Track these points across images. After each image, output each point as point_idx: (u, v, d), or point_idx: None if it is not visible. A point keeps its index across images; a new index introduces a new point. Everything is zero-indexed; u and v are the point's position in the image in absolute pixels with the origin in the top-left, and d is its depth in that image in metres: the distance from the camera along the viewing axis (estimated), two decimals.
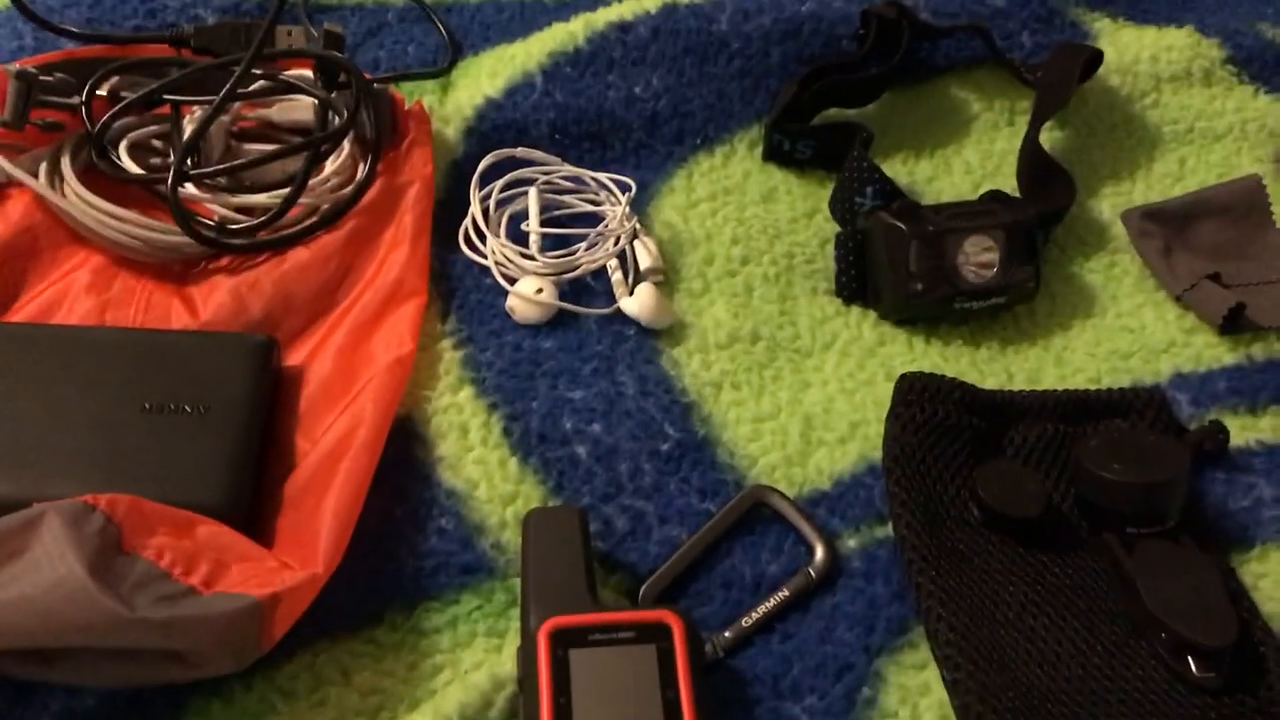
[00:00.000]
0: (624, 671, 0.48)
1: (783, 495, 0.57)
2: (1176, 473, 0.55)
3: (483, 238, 0.68)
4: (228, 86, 0.65)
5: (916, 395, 0.59)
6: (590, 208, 0.71)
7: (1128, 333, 0.67)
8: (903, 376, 0.60)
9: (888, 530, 0.57)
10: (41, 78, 0.66)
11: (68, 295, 0.63)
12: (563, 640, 0.49)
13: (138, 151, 0.69)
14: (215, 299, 0.63)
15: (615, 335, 0.65)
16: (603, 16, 0.78)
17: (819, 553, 0.55)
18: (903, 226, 0.65)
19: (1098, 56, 0.78)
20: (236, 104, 0.71)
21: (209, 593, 0.47)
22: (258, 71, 0.69)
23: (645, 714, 0.47)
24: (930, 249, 0.65)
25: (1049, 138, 0.78)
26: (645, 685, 0.48)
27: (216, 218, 0.66)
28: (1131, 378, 0.64)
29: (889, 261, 0.65)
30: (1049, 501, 0.56)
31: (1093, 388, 0.64)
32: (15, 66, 0.65)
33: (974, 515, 0.56)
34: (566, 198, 0.71)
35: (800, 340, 0.66)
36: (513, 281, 0.65)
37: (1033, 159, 0.73)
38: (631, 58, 0.77)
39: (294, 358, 0.62)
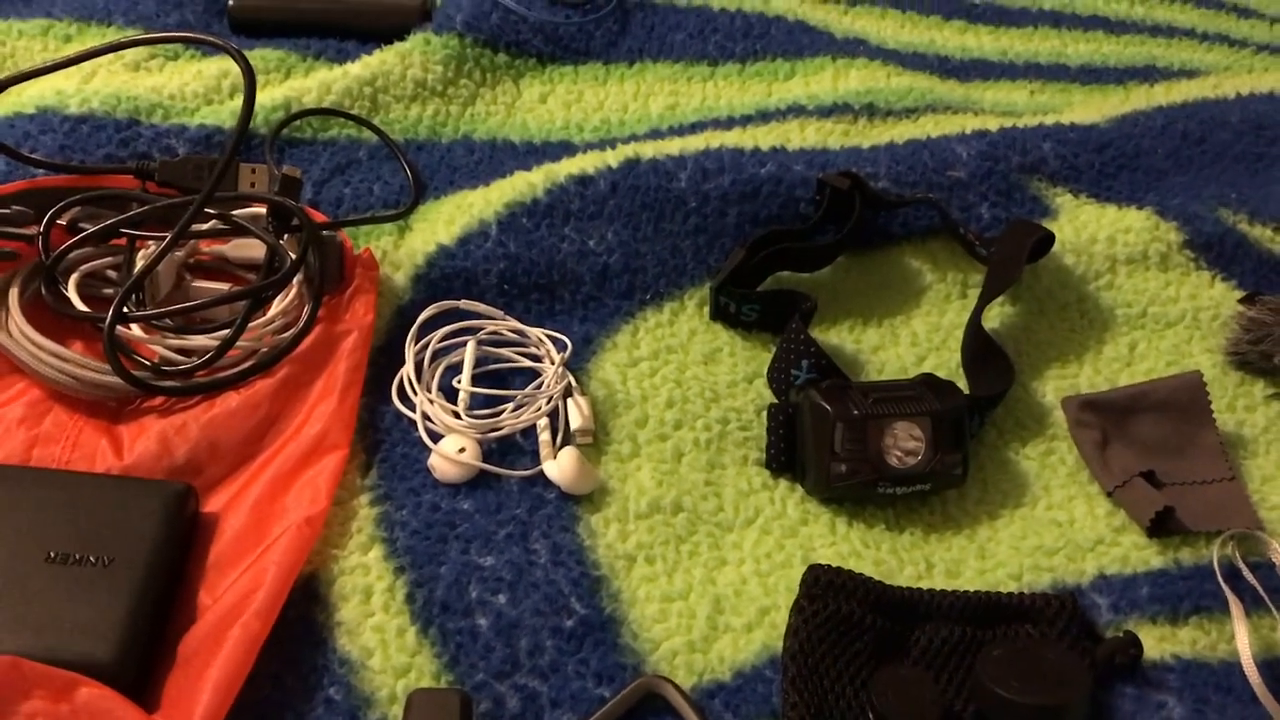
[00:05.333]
0: None
1: (676, 687, 0.56)
2: (1076, 696, 0.54)
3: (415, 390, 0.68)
4: (176, 229, 0.66)
5: (822, 589, 0.58)
6: (529, 363, 0.71)
7: (1056, 526, 0.66)
8: (810, 568, 0.59)
9: None
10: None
11: None
12: None
13: (92, 281, 0.71)
14: (141, 441, 0.63)
15: (535, 499, 0.65)
16: (564, 168, 0.79)
17: None
18: (828, 407, 0.65)
19: (1049, 237, 0.78)
20: (193, 239, 0.72)
21: None
22: (212, 211, 0.70)
23: None
24: (855, 432, 0.65)
25: (999, 313, 0.78)
26: None
27: (157, 357, 0.67)
28: (1053, 576, 0.63)
29: (814, 440, 0.65)
30: (947, 712, 0.55)
31: (1011, 584, 0.63)
32: None
33: None
34: (506, 350, 0.72)
35: (723, 513, 0.65)
36: (437, 438, 0.66)
37: (975, 340, 0.73)
38: (589, 211, 0.78)
39: (213, 504, 0.62)
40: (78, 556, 0.56)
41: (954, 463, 0.66)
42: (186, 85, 0.83)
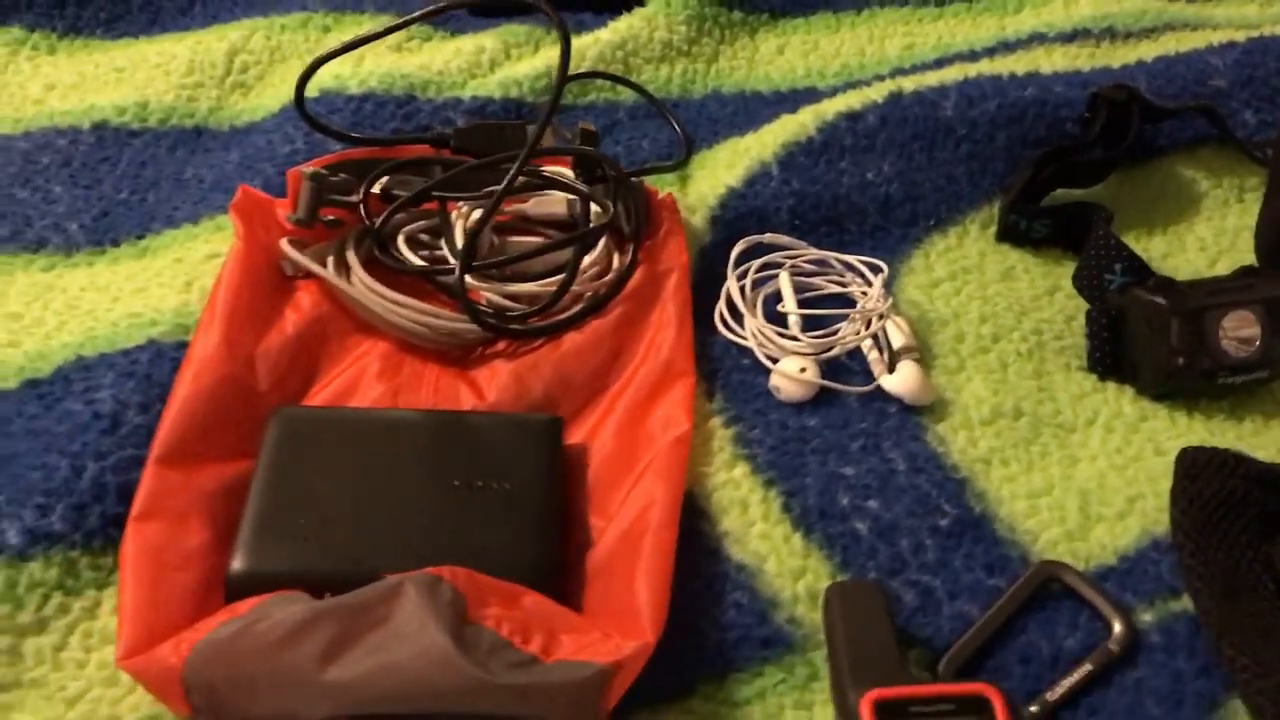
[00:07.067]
0: None
1: (1075, 570, 0.57)
2: None
3: (738, 319, 0.70)
4: (505, 183, 0.68)
5: (1201, 469, 0.59)
6: (837, 289, 0.73)
7: None
8: (1184, 451, 0.60)
9: (1182, 604, 0.57)
10: (330, 178, 0.71)
11: (360, 381, 0.66)
12: (884, 712, 0.50)
13: (409, 245, 0.73)
14: (498, 382, 0.66)
15: (878, 413, 0.66)
16: (830, 107, 0.81)
17: (1118, 627, 0.55)
18: (1163, 302, 0.66)
19: None
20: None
21: (549, 660, 0.49)
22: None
23: None
24: (1191, 325, 0.65)
25: None
26: None
27: (488, 305, 0.70)
28: None
29: (1149, 337, 0.66)
30: None
31: None
32: (309, 169, 0.70)
33: (1269, 589, 0.56)
34: (813, 280, 0.73)
35: (1062, 415, 0.66)
36: (774, 361, 0.68)
37: (1274, 234, 0.73)
38: (862, 145, 0.79)
39: (573, 437, 0.64)
40: (480, 484, 0.58)
41: None
42: (449, 62, 0.87)
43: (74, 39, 0.91)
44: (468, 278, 0.70)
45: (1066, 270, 0.75)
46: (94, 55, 0.90)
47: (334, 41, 0.90)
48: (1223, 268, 0.76)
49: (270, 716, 0.48)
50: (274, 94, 0.86)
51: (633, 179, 0.74)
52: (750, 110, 0.87)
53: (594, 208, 0.73)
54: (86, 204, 0.77)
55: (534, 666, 0.48)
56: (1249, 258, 0.75)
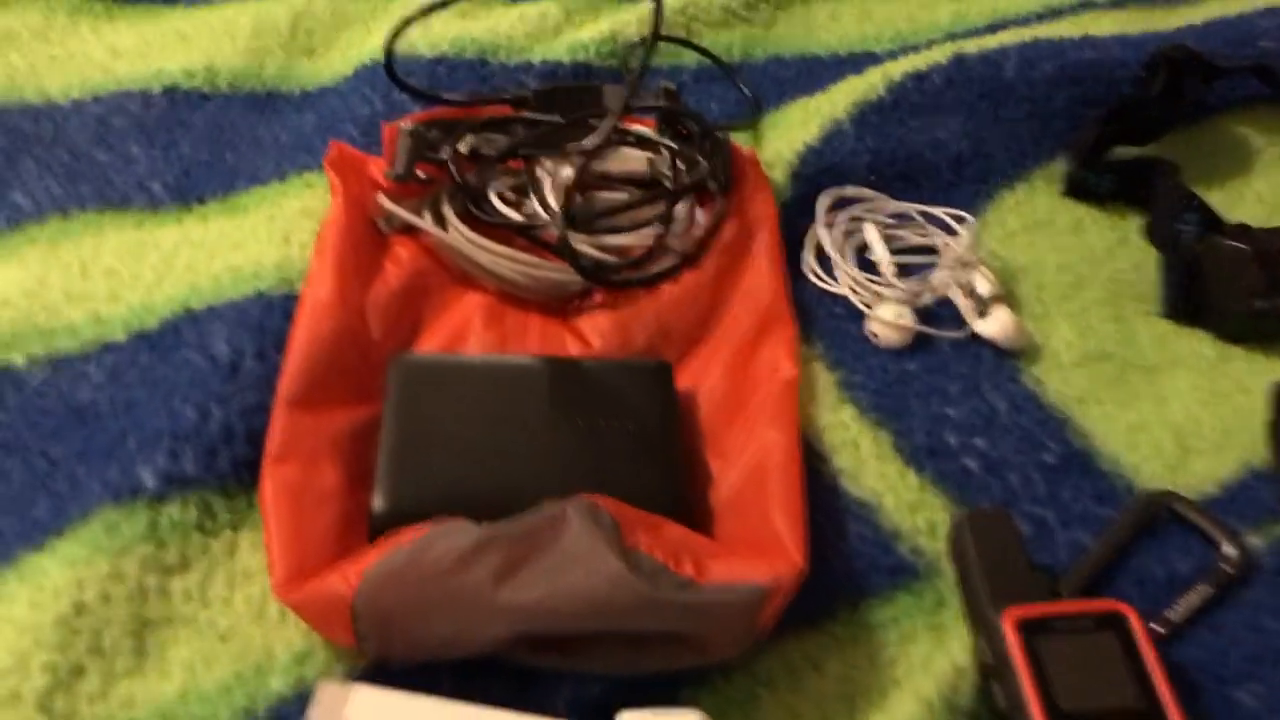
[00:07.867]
0: (1091, 655, 0.51)
1: (1183, 497, 0.60)
2: None
3: (826, 268, 0.72)
4: (602, 133, 0.70)
5: None
6: (919, 240, 0.75)
7: None
8: (1277, 384, 0.63)
9: None
10: (426, 134, 0.72)
11: (468, 332, 0.67)
12: (1028, 629, 0.51)
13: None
14: (602, 330, 0.67)
15: (973, 357, 0.68)
16: (896, 68, 0.83)
17: (1231, 549, 0.58)
18: (1244, 247, 0.68)
19: None
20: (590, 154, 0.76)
21: (705, 583, 0.51)
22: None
23: (1121, 690, 0.50)
24: (1271, 268, 0.68)
25: None
26: (1115, 666, 0.51)
27: (583, 258, 0.71)
28: None
29: (1228, 281, 0.69)
30: None
31: None
32: (407, 124, 0.71)
33: None
34: (894, 232, 0.75)
35: (1147, 358, 0.69)
36: (869, 308, 0.69)
37: None
38: (929, 104, 0.81)
39: (678, 384, 0.65)
40: (603, 424, 0.59)
41: None
42: (515, 27, 0.87)
43: (133, 4, 0.91)
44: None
45: (1132, 223, 0.77)
46: (154, 21, 0.90)
47: (398, 9, 0.90)
48: None
49: (441, 639, 0.49)
50: (341, 58, 0.87)
51: (718, 134, 0.76)
52: (812, 73, 0.89)
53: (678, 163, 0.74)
54: (166, 164, 0.77)
55: (695, 587, 0.50)
56: None
